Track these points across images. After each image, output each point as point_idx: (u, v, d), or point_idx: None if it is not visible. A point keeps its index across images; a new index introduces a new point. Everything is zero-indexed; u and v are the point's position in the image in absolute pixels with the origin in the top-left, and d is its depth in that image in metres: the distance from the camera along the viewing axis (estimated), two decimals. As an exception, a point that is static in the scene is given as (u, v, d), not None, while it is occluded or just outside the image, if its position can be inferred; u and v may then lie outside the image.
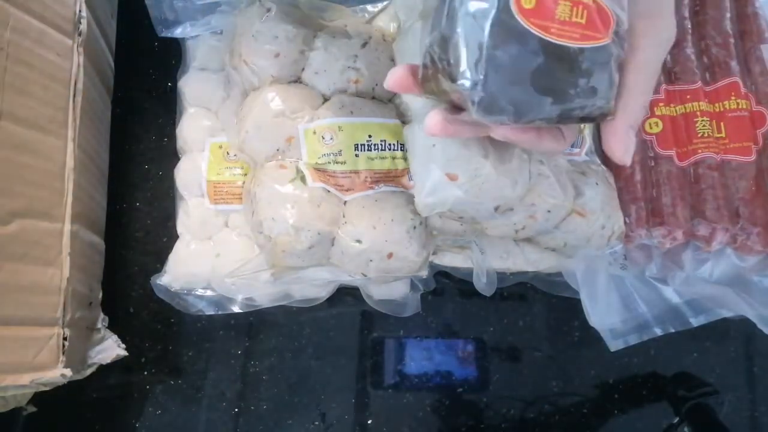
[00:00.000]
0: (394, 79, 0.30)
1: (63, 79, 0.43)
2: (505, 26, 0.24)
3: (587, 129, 0.46)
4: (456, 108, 0.28)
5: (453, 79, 0.25)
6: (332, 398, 0.50)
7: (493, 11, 0.24)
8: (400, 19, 0.41)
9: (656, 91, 0.48)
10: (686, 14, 0.49)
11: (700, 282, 0.46)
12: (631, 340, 0.48)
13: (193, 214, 0.48)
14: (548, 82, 0.25)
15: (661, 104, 0.48)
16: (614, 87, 0.26)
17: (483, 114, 0.25)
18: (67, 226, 0.42)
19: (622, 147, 0.27)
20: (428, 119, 0.28)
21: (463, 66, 0.25)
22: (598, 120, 0.27)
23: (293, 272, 0.41)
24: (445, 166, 0.35)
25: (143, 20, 0.48)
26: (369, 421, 0.50)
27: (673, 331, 0.47)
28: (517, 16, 0.24)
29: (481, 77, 0.24)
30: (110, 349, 0.45)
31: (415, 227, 0.39)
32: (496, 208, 0.37)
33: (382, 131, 0.41)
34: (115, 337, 0.46)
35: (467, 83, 0.25)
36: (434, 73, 0.27)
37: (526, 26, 0.24)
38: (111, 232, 0.51)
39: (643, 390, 0.52)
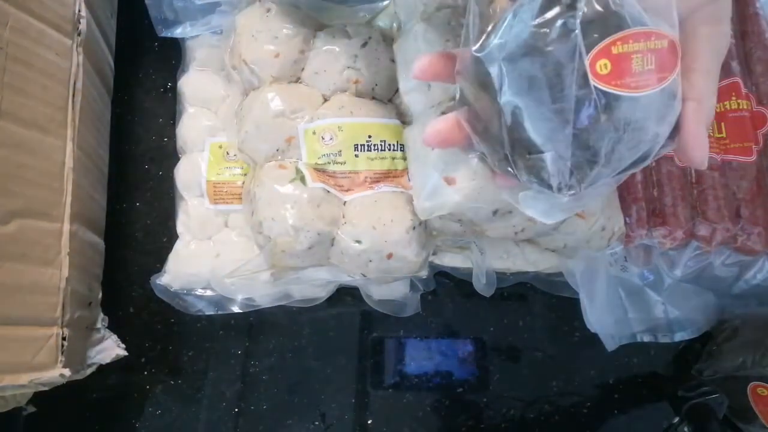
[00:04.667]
0: (423, 66, 0.29)
1: (62, 78, 0.43)
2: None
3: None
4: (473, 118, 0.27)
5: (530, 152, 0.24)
6: (332, 398, 0.50)
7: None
8: (401, 19, 0.41)
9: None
10: (687, 14, 0.49)
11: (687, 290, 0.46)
12: (628, 341, 0.48)
13: (193, 214, 0.48)
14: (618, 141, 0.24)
15: (661, 104, 0.48)
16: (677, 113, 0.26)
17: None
18: (67, 226, 0.42)
19: (701, 151, 0.27)
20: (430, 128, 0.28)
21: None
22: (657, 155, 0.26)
23: (293, 272, 0.41)
24: (443, 170, 0.35)
25: (143, 20, 0.48)
26: (369, 421, 0.50)
27: (661, 340, 0.48)
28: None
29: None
30: (110, 349, 0.45)
31: (414, 227, 0.39)
32: (495, 212, 0.37)
33: (382, 131, 0.41)
34: (115, 337, 0.46)
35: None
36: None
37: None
38: (111, 232, 0.51)
39: (643, 390, 0.52)
